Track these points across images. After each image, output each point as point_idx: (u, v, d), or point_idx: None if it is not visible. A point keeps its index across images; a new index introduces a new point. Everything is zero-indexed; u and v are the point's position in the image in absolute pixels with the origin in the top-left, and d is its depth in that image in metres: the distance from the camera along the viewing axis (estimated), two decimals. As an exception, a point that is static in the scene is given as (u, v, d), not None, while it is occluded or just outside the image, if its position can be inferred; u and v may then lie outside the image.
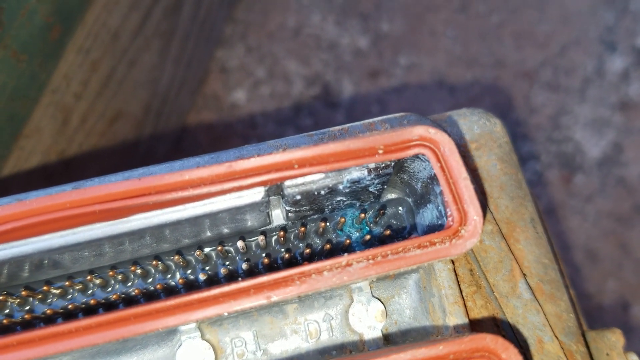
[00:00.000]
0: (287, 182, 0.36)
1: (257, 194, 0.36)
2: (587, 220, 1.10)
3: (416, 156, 0.37)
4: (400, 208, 0.43)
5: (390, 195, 0.44)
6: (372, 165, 0.37)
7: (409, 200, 0.43)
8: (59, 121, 0.67)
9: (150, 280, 0.42)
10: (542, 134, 1.13)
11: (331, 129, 0.43)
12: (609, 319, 1.07)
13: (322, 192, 0.38)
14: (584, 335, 0.45)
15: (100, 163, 0.80)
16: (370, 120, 0.44)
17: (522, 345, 0.40)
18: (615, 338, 0.47)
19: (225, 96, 1.13)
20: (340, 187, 0.38)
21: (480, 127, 0.46)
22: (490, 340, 0.31)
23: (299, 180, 0.36)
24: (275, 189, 0.37)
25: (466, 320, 0.39)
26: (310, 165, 0.34)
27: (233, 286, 0.32)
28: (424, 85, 1.15)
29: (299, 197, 0.37)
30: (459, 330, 0.38)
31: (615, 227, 1.10)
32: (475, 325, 0.40)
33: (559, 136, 1.13)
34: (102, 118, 0.77)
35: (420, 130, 0.34)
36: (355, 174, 0.37)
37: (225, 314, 0.32)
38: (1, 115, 0.57)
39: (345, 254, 0.33)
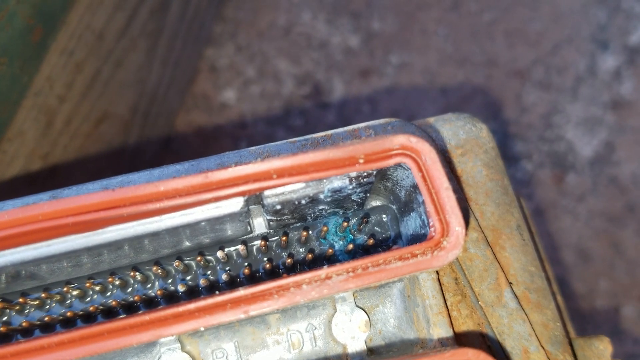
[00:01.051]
0: (267, 192, 0.36)
1: (236, 204, 0.36)
2: (579, 220, 1.09)
3: (399, 164, 0.36)
4: (384, 215, 0.42)
5: (375, 203, 0.43)
6: (353, 174, 0.36)
7: (394, 207, 0.43)
8: (42, 124, 0.66)
9: (129, 290, 0.41)
10: (533, 133, 1.12)
11: (314, 135, 0.43)
12: (600, 319, 1.06)
13: (303, 202, 0.37)
14: (571, 344, 0.44)
15: (87, 165, 0.79)
16: (354, 126, 0.44)
17: (508, 355, 0.40)
18: (603, 346, 0.46)
19: (215, 96, 1.11)
20: (322, 196, 0.37)
21: (466, 132, 0.45)
22: (472, 355, 0.31)
23: (279, 190, 0.35)
24: (255, 199, 0.37)
25: (450, 332, 0.38)
26: (289, 175, 0.33)
27: (209, 300, 0.32)
28: (415, 85, 1.14)
29: (279, 206, 0.36)
30: (443, 342, 0.38)
31: (607, 226, 1.09)
32: (460, 336, 0.40)
33: (551, 135, 1.12)
34: (87, 120, 0.75)
35: (402, 139, 0.33)
36: (337, 183, 0.36)
37: (202, 328, 0.32)
38: (-19, 120, 0.56)
39: (325, 267, 0.32)
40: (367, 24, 1.16)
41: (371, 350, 0.40)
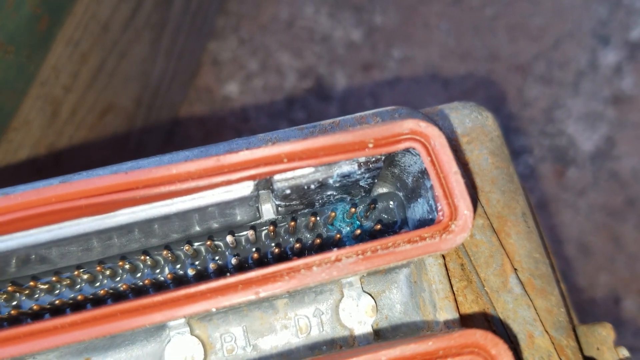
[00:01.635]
0: (277, 177, 0.36)
1: (246, 188, 0.36)
2: (579, 214, 1.10)
3: (407, 150, 0.37)
4: (391, 202, 0.43)
5: (382, 190, 0.43)
6: (362, 159, 0.36)
7: (400, 194, 0.43)
8: (48, 114, 0.67)
9: (139, 275, 0.41)
10: (535, 127, 1.13)
11: (322, 122, 0.43)
12: (601, 313, 1.07)
13: (312, 187, 0.37)
14: (574, 330, 0.45)
15: (91, 156, 0.79)
16: (362, 113, 0.44)
17: (513, 340, 0.40)
18: (606, 332, 0.47)
19: (217, 89, 1.12)
20: (330, 181, 0.37)
21: (472, 120, 0.45)
22: (479, 336, 0.31)
23: (289, 174, 0.36)
24: (265, 183, 0.37)
25: (456, 316, 0.38)
26: (299, 159, 0.33)
27: (221, 282, 0.32)
28: (418, 78, 1.14)
29: (288, 191, 0.37)
30: (449, 326, 0.38)
31: (607, 220, 1.10)
32: (466, 320, 0.40)
33: (552, 130, 1.13)
34: (92, 111, 0.76)
35: (411, 124, 0.34)
36: (346, 168, 0.37)
37: (214, 309, 0.32)
38: (-12, 108, 0.56)
39: (335, 249, 0.33)
40: (369, 18, 1.16)
41: (378, 335, 0.41)
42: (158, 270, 0.41)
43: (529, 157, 1.11)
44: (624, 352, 0.46)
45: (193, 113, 1.10)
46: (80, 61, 0.69)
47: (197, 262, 0.41)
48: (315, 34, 1.15)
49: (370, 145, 0.34)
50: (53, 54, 0.63)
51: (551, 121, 1.13)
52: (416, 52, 1.15)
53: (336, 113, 1.11)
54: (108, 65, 0.75)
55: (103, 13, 0.70)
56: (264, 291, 0.32)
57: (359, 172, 0.37)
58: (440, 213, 0.34)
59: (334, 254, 0.33)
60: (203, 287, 0.32)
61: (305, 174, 0.36)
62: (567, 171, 1.11)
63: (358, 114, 0.44)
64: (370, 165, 0.37)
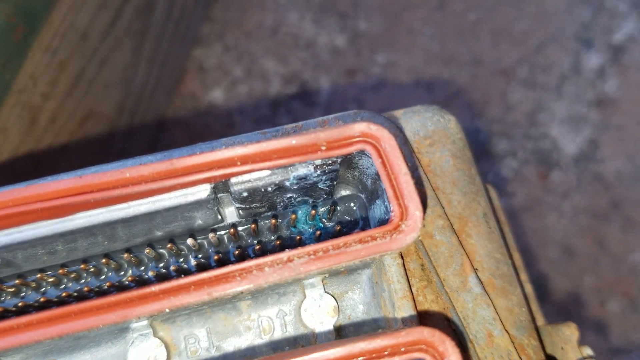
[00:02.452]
0: (233, 179, 0.37)
1: (203, 192, 0.37)
2: (564, 217, 1.11)
3: (362, 152, 0.37)
4: (353, 204, 0.43)
5: (345, 192, 0.44)
6: (318, 162, 0.37)
7: (362, 196, 0.44)
8: (26, 121, 0.67)
9: (102, 277, 0.42)
10: (518, 130, 1.14)
11: (285, 126, 0.44)
12: (585, 315, 1.07)
13: (269, 189, 0.38)
14: (537, 330, 0.45)
15: (72, 163, 0.80)
16: (324, 117, 0.45)
17: (472, 339, 0.41)
18: (569, 332, 0.47)
19: (202, 95, 1.13)
20: (288, 183, 0.38)
21: (434, 123, 0.46)
22: (427, 333, 0.32)
23: (245, 177, 0.37)
24: (222, 187, 0.38)
25: (414, 314, 0.39)
26: (252, 162, 0.34)
27: (173, 283, 0.33)
28: (401, 83, 1.15)
29: (245, 194, 0.37)
30: (407, 324, 0.39)
31: (591, 223, 1.11)
32: (425, 320, 0.41)
33: (536, 133, 1.13)
34: (72, 118, 0.77)
35: (362, 127, 0.34)
36: (302, 171, 0.37)
37: (167, 310, 0.33)
38: (-37, 116, 0.57)
39: (286, 250, 0.34)
40: (353, 24, 1.17)
41: (340, 334, 0.41)
42: (122, 273, 0.42)
43: (513, 161, 1.12)
44: (588, 351, 0.47)
45: (178, 119, 1.10)
46: (59, 69, 0.70)
47: (160, 265, 0.42)
48: (299, 40, 1.16)
49: (323, 148, 0.35)
50: (30, 62, 0.64)
51: (535, 124, 1.14)
52: (400, 58, 1.16)
53: (321, 118, 1.12)
54: (88, 72, 0.76)
55: (81, 21, 0.71)
56: (217, 292, 0.33)
57: (316, 174, 0.38)
58: (392, 213, 0.35)
59: (285, 254, 0.33)
60: (156, 287, 0.32)
61: (261, 176, 0.37)
62: (551, 174, 1.12)
63: (320, 118, 0.45)
64: (326, 168, 0.38)
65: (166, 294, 0.32)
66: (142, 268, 0.42)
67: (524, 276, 0.53)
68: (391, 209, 0.35)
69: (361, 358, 0.31)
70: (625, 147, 1.13)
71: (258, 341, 0.42)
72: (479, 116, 1.14)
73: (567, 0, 1.21)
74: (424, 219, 0.35)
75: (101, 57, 0.78)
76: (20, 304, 0.40)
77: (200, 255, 0.42)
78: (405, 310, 0.39)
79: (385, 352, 0.31)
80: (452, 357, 0.31)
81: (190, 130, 1.11)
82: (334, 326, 0.41)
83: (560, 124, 1.14)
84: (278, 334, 0.42)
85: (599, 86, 1.16)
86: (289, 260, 0.33)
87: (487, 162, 1.12)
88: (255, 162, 0.34)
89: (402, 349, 0.32)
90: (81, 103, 0.77)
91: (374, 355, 0.31)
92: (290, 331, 0.42)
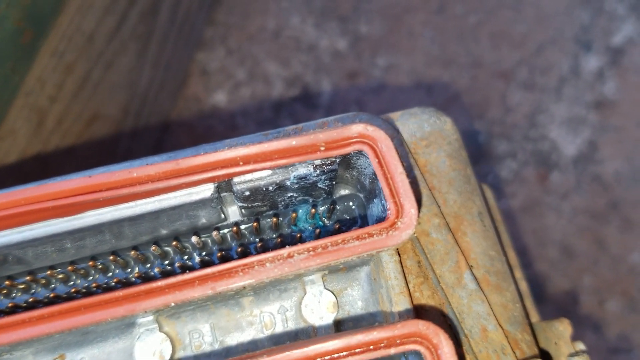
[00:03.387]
0: (236, 179, 0.38)
1: (206, 191, 0.38)
2: (563, 217, 1.12)
3: (360, 153, 0.39)
4: (352, 203, 0.45)
5: (344, 191, 0.45)
6: (317, 162, 0.39)
7: (361, 195, 0.45)
8: (33, 123, 0.69)
9: (110, 274, 0.43)
10: (518, 132, 1.15)
11: (286, 128, 0.45)
12: (584, 315, 1.08)
13: (271, 189, 0.39)
14: (531, 326, 0.46)
15: (78, 165, 0.81)
16: (324, 119, 0.46)
17: (467, 333, 0.42)
18: (563, 327, 0.49)
19: (206, 98, 1.14)
20: (288, 183, 0.39)
21: (430, 125, 0.47)
22: (422, 326, 0.33)
23: (247, 176, 0.38)
24: (225, 186, 0.39)
25: (411, 310, 0.40)
26: (254, 162, 0.36)
27: (179, 278, 0.34)
28: (402, 86, 1.16)
29: (247, 193, 0.39)
30: (404, 319, 0.40)
31: (590, 223, 1.12)
32: (421, 315, 0.42)
33: (535, 134, 1.15)
34: (78, 120, 0.78)
35: (359, 128, 0.36)
36: (302, 171, 0.39)
37: (172, 304, 0.34)
38: (-27, 118, 0.58)
39: (287, 247, 0.35)
40: (354, 28, 1.19)
41: (339, 329, 0.43)
42: (128, 270, 0.43)
43: (513, 162, 1.13)
44: (581, 346, 0.48)
45: (182, 121, 1.12)
46: (66, 72, 0.71)
47: (166, 262, 0.43)
48: (301, 43, 1.18)
49: (322, 148, 0.36)
50: (38, 66, 0.65)
51: (534, 126, 1.15)
52: (401, 60, 1.17)
53: (322, 120, 1.13)
54: (94, 75, 0.78)
55: (88, 25, 0.73)
56: (220, 286, 0.34)
57: (315, 174, 0.39)
58: (388, 211, 0.36)
59: (286, 250, 0.35)
60: (162, 282, 0.34)
61: (262, 176, 0.38)
62: (550, 175, 1.13)
63: (320, 120, 0.46)
64: (326, 168, 0.39)
65: (172, 288, 0.34)
66: (148, 265, 0.43)
67: (518, 274, 0.55)
68: (387, 207, 0.36)
69: (359, 350, 0.33)
70: (624, 148, 1.15)
71: (260, 336, 0.43)
72: (478, 118, 1.15)
73: (567, 2, 1.22)
74: (419, 216, 0.36)
75: (107, 60, 0.79)
76: (30, 300, 0.41)
77: (204, 253, 0.43)
78: (402, 305, 0.40)
79: (382, 344, 0.33)
80: (446, 348, 0.32)
81: (194, 132, 1.12)
82: (333, 321, 0.43)
83: (559, 126, 1.15)
84: (279, 329, 0.43)
85: (598, 88, 1.17)
86: (289, 256, 0.35)
87: (487, 163, 1.13)
88: (257, 162, 0.35)
89: (398, 341, 0.33)
90: (87, 105, 0.79)
91: (371, 347, 0.33)
92: (291, 326, 0.43)
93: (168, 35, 0.95)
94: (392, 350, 0.33)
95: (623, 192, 1.12)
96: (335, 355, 0.33)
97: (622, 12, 1.20)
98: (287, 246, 0.42)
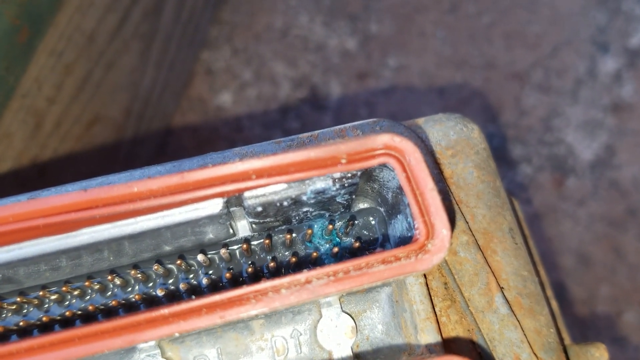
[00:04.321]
0: (247, 193, 0.34)
1: (215, 206, 0.34)
2: (579, 224, 1.08)
3: (383, 165, 0.35)
4: (372, 218, 0.41)
5: (363, 205, 0.42)
6: (337, 175, 0.35)
7: (382, 210, 0.41)
8: (30, 126, 0.65)
9: (108, 294, 0.40)
10: (533, 136, 1.11)
11: (300, 135, 0.42)
12: (601, 325, 1.05)
13: (285, 204, 0.36)
14: (565, 352, 0.43)
15: (78, 168, 0.78)
16: (342, 126, 0.43)
17: (498, 363, 0.39)
18: (599, 353, 0.45)
19: (210, 99, 1.11)
20: (304, 198, 0.36)
21: (456, 133, 0.44)
22: (457, 363, 0.29)
23: (259, 191, 0.34)
24: (236, 200, 0.35)
25: (438, 338, 0.37)
26: (268, 175, 0.32)
27: (184, 305, 0.30)
28: (413, 87, 1.13)
29: (260, 208, 0.35)
30: (430, 349, 0.36)
31: (608, 231, 1.08)
32: (449, 343, 0.38)
33: (551, 138, 1.11)
34: (78, 122, 0.75)
35: (385, 139, 0.32)
36: (320, 185, 0.35)
37: (176, 334, 0.30)
38: (-35, 121, 0.55)
39: (305, 270, 0.31)
40: (364, 27, 1.15)
41: (358, 357, 0.39)
42: (129, 290, 0.40)
43: (527, 167, 1.09)
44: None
45: (186, 123, 1.08)
46: (65, 72, 0.68)
47: (169, 282, 0.40)
48: (309, 43, 1.14)
49: (343, 161, 0.32)
50: (35, 66, 0.62)
51: (550, 130, 1.11)
52: (412, 61, 1.13)
53: (331, 122, 1.10)
54: (94, 76, 0.74)
55: (88, 24, 0.69)
56: (230, 315, 0.30)
57: (334, 188, 0.36)
58: (416, 231, 0.32)
59: (303, 275, 0.31)
60: (165, 310, 0.30)
61: (276, 190, 0.35)
62: (566, 180, 1.09)
63: (338, 127, 0.42)
64: (346, 181, 0.35)
65: (176, 317, 0.30)
66: (150, 284, 0.40)
67: (549, 292, 0.51)
68: (415, 227, 0.33)
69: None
70: (642, 153, 1.11)
71: (271, 362, 0.39)
72: (492, 121, 1.12)
73: (582, 3, 1.18)
74: (451, 237, 0.32)
75: (108, 60, 0.76)
76: (21, 323, 0.38)
77: (211, 272, 0.40)
78: (428, 332, 0.37)
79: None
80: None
81: (198, 135, 1.09)
82: (352, 348, 0.39)
83: (575, 130, 1.12)
84: (292, 355, 0.40)
85: (615, 91, 1.13)
86: (307, 281, 0.31)
87: (501, 168, 1.10)
88: (272, 176, 0.32)
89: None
90: (87, 107, 0.75)
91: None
92: (306, 352, 0.40)
93: (172, 34, 0.91)
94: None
95: (642, 198, 1.08)
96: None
97: (640, 12, 1.16)
98: (303, 267, 0.38)
